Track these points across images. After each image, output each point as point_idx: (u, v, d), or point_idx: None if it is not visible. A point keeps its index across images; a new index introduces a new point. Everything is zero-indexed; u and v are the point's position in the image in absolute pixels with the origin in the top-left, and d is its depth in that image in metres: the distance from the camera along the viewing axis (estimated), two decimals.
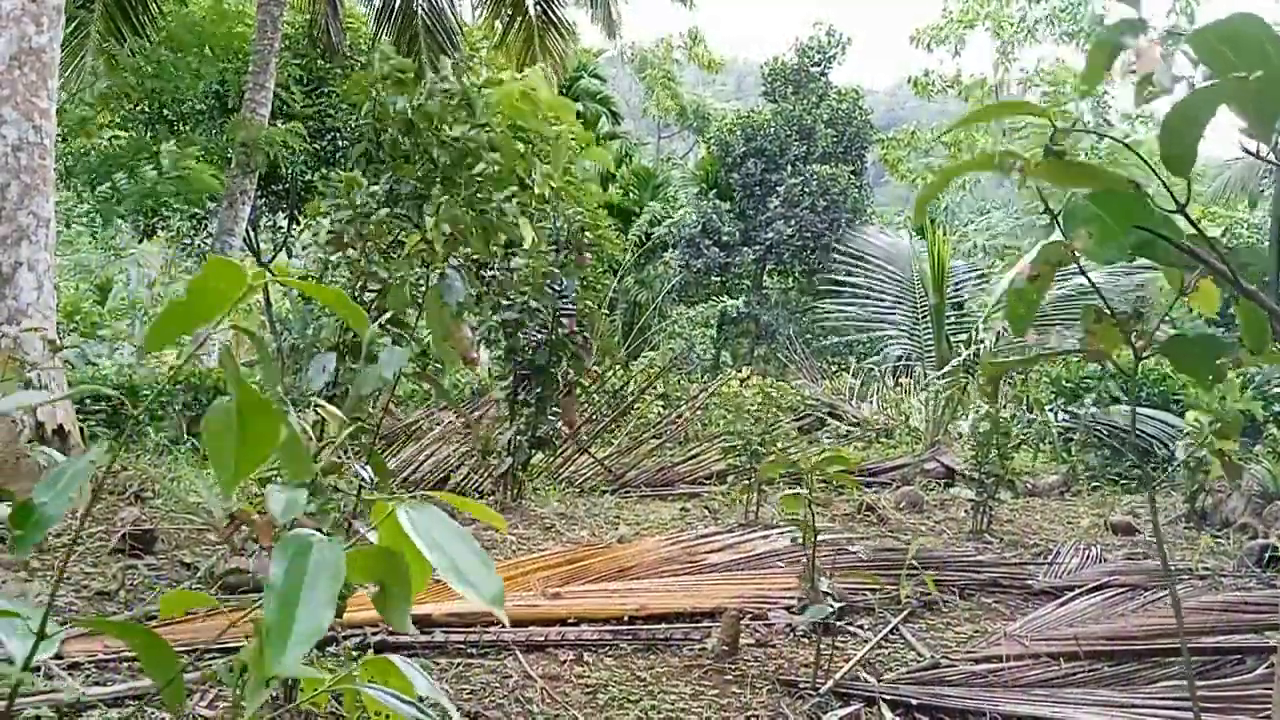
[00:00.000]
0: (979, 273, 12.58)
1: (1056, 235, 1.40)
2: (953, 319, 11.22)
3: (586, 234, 6.60)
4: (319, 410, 2.31)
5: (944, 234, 11.84)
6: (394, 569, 1.12)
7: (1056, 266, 1.45)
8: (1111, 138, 1.82)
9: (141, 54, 11.16)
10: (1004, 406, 6.53)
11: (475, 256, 3.45)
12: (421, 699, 1.20)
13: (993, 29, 24.97)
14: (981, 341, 10.01)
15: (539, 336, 6.48)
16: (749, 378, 10.31)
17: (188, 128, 12.27)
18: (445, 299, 2.69)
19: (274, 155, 10.74)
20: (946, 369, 10.00)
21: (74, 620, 3.21)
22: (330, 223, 3.74)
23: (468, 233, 3.19)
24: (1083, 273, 1.58)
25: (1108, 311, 1.55)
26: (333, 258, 3.87)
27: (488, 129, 3.65)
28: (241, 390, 1.05)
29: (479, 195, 3.49)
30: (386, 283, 3.57)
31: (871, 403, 13.26)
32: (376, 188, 3.74)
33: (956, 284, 11.45)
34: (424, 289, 3.05)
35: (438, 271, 2.84)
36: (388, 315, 3.16)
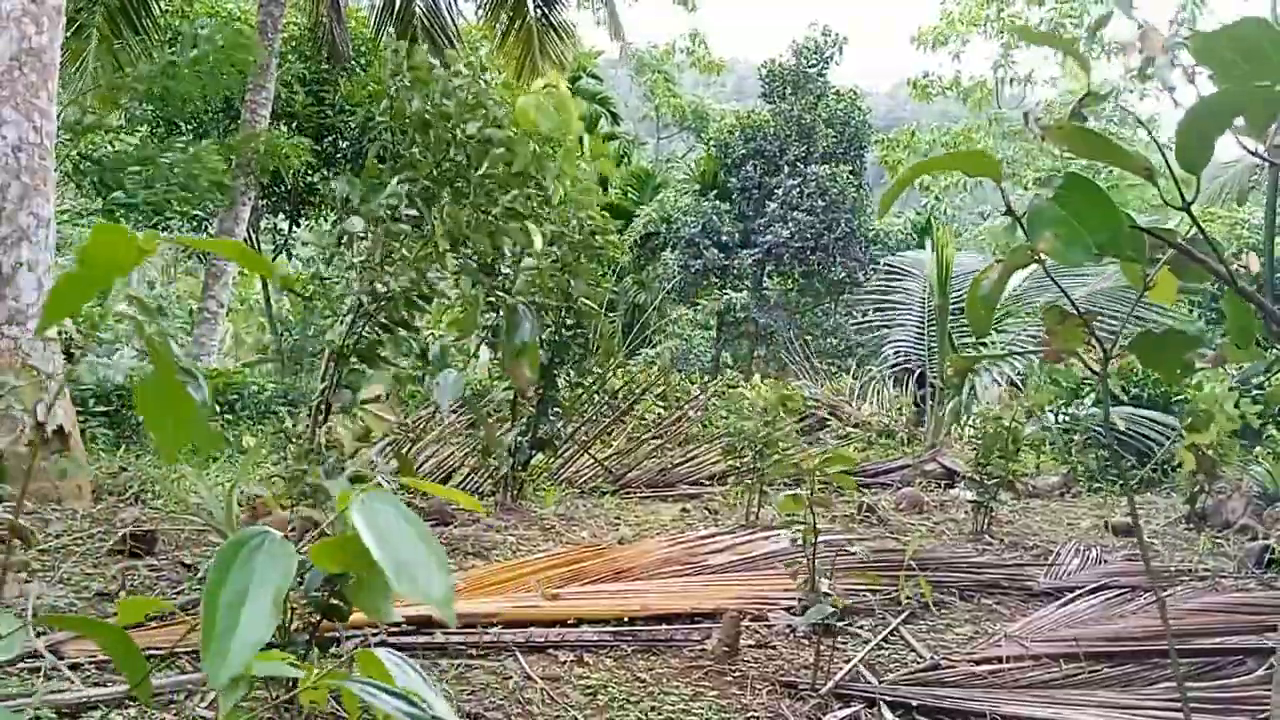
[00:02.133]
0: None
1: (1020, 237, 1.40)
2: (956, 321, 11.22)
3: (597, 237, 6.58)
4: (363, 415, 2.33)
5: (947, 234, 11.84)
6: (365, 557, 1.08)
7: (1015, 269, 1.45)
8: (1133, 115, 1.82)
9: (147, 58, 11.16)
10: (1008, 408, 6.52)
11: (479, 256, 3.46)
12: (414, 693, 1.19)
13: (995, 31, 24.95)
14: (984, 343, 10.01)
15: (542, 337, 6.48)
16: (752, 379, 10.31)
17: (191, 128, 12.28)
18: (515, 338, 2.68)
19: (276, 165, 10.75)
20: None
21: (45, 619, 3.19)
22: (340, 226, 3.74)
23: (472, 235, 3.20)
24: (1048, 274, 1.58)
25: (1072, 311, 1.55)
26: (345, 259, 3.87)
27: (500, 127, 3.66)
28: (163, 363, 1.03)
29: (488, 196, 3.50)
30: (394, 290, 3.57)
31: (872, 404, 13.26)
32: (394, 187, 3.73)
33: (959, 286, 11.46)
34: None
35: (510, 309, 2.85)
36: (457, 335, 3.17)
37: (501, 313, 6.26)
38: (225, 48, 10.47)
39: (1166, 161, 1.36)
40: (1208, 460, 6.51)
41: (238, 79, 10.96)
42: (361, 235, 3.65)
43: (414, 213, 3.63)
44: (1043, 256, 1.38)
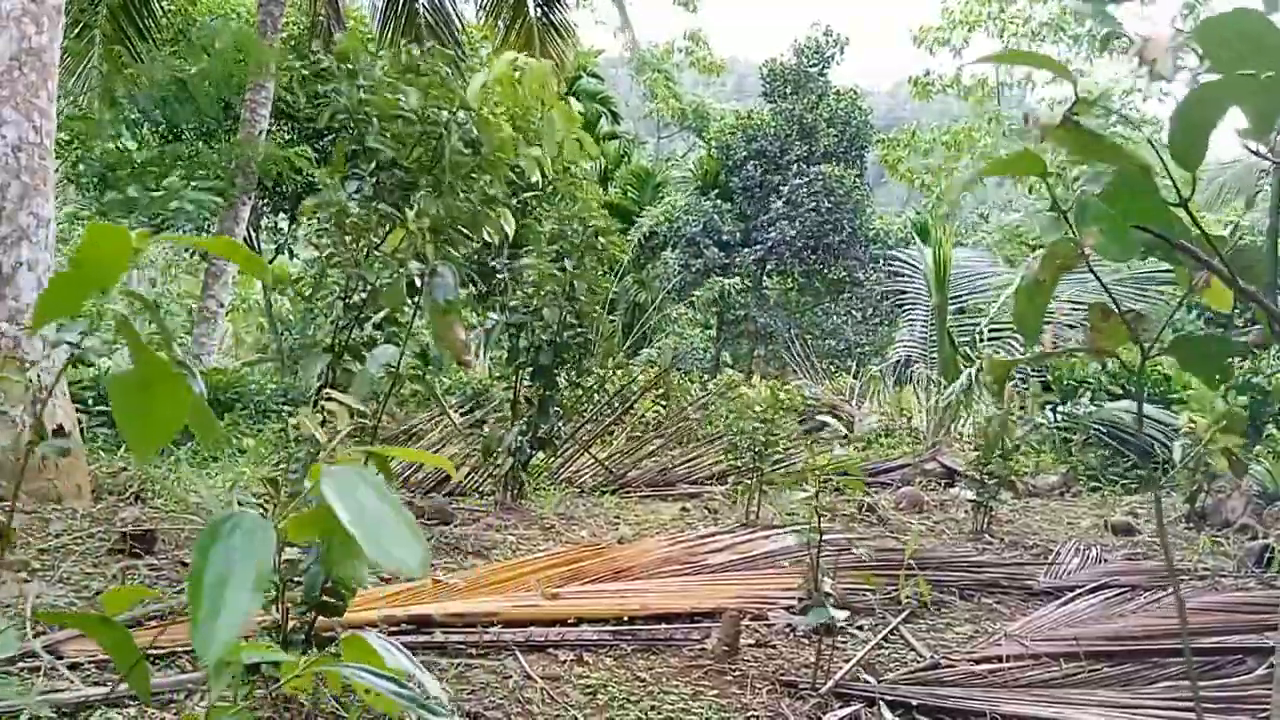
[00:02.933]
0: (980, 275, 12.60)
1: (1063, 232, 1.39)
2: (963, 322, 11.22)
3: (600, 238, 6.58)
4: (326, 405, 2.31)
5: (946, 234, 11.83)
6: (336, 526, 1.09)
7: (1065, 266, 1.43)
8: (1123, 116, 1.81)
9: (149, 58, 11.15)
10: (1008, 406, 6.52)
11: (478, 257, 3.48)
12: (408, 676, 1.19)
13: (999, 29, 24.90)
14: (986, 342, 10.02)
15: (543, 337, 6.48)
16: (750, 378, 10.32)
17: (192, 128, 12.27)
18: (435, 296, 2.68)
19: (278, 171, 10.74)
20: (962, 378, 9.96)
21: (41, 615, 3.19)
22: (317, 221, 3.77)
23: (452, 225, 3.19)
24: (1091, 271, 1.57)
25: (1114, 309, 1.54)
26: (324, 255, 3.88)
27: (451, 112, 3.66)
28: (144, 358, 1.03)
29: (464, 182, 3.50)
30: (372, 283, 3.59)
31: (872, 403, 13.27)
32: (359, 184, 3.75)
33: (958, 284, 11.45)
34: (421, 287, 3.06)
35: (431, 269, 2.85)
36: (383, 314, 3.17)
37: (499, 313, 6.27)
38: (241, 56, 10.45)
39: (1164, 162, 1.35)
40: (1241, 464, 6.47)
41: (243, 81, 10.97)
42: (329, 233, 3.67)
43: (384, 207, 3.64)
44: (1088, 253, 1.37)
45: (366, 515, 1.02)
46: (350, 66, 4.12)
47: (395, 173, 3.88)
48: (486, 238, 3.89)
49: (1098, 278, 1.62)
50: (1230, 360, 1.55)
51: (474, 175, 3.79)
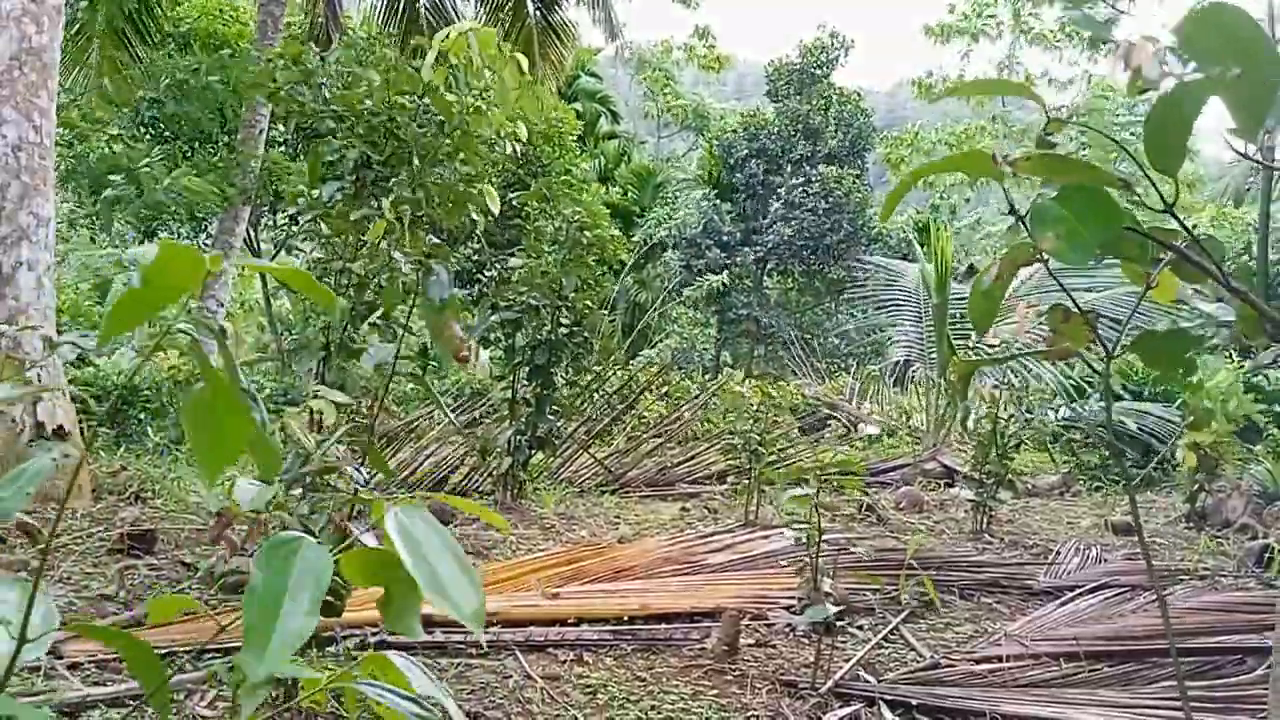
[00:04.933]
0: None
1: (1023, 235, 1.39)
2: (963, 323, 11.20)
3: (584, 233, 6.59)
4: (312, 403, 2.31)
5: (945, 233, 11.82)
6: (397, 572, 1.07)
7: (1019, 267, 1.44)
8: (1099, 131, 1.81)
9: (149, 57, 11.14)
10: (1003, 406, 6.52)
11: (475, 257, 3.49)
12: (425, 696, 1.19)
13: (1011, 28, 24.88)
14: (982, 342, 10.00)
15: (538, 336, 6.48)
16: (746, 379, 10.32)
17: (186, 131, 12.26)
18: (430, 294, 2.68)
19: (278, 184, 10.74)
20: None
21: (71, 626, 3.20)
22: (299, 220, 3.78)
23: (434, 208, 3.20)
24: (1051, 274, 1.58)
25: (1075, 309, 1.54)
26: (311, 253, 3.90)
27: (417, 97, 3.66)
28: (214, 381, 1.03)
29: (438, 168, 3.49)
30: (361, 277, 3.59)
31: (872, 403, 13.27)
32: (339, 186, 3.76)
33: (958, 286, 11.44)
34: (418, 285, 3.06)
35: (425, 268, 2.85)
36: (380, 313, 3.16)
37: (493, 312, 6.28)
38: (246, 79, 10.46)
39: (1143, 169, 1.35)
40: (1209, 460, 6.49)
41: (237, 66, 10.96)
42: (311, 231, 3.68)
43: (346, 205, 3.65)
44: (1045, 256, 1.37)
45: (427, 558, 1.03)
46: (303, 66, 4.13)
47: (374, 170, 3.88)
48: (474, 216, 3.87)
49: (1060, 283, 1.63)
50: (1191, 355, 1.56)
51: (447, 157, 3.78)
